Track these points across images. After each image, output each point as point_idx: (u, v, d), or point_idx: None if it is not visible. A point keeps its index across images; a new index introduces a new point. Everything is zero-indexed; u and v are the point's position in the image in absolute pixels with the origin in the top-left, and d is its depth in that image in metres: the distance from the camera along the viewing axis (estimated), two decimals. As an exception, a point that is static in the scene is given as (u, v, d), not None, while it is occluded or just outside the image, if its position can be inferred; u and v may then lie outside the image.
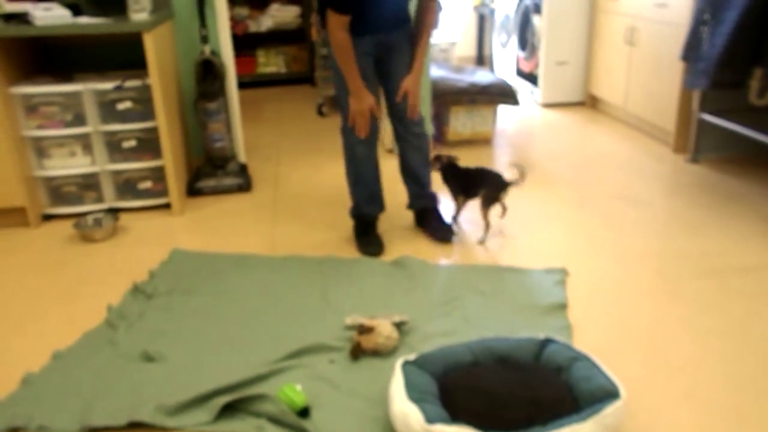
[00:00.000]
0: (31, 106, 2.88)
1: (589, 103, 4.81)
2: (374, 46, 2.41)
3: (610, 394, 1.48)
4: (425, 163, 2.68)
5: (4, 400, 1.74)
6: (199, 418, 1.65)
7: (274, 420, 1.63)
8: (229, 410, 1.67)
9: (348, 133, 2.49)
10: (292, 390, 1.67)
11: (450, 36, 5.57)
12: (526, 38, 4.98)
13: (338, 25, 2.26)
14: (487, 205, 2.59)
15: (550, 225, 2.80)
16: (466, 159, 3.69)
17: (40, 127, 2.91)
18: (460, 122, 3.86)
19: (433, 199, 2.75)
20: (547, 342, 1.73)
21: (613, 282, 2.31)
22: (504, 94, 3.83)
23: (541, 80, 4.80)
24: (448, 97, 3.75)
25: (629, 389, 1.72)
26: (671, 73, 3.61)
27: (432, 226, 2.71)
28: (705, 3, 3.07)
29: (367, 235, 2.62)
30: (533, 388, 1.53)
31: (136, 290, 2.29)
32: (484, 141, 4.00)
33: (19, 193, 2.87)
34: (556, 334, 1.95)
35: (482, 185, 2.61)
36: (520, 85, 5.23)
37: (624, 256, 2.50)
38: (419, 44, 2.47)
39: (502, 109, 4.66)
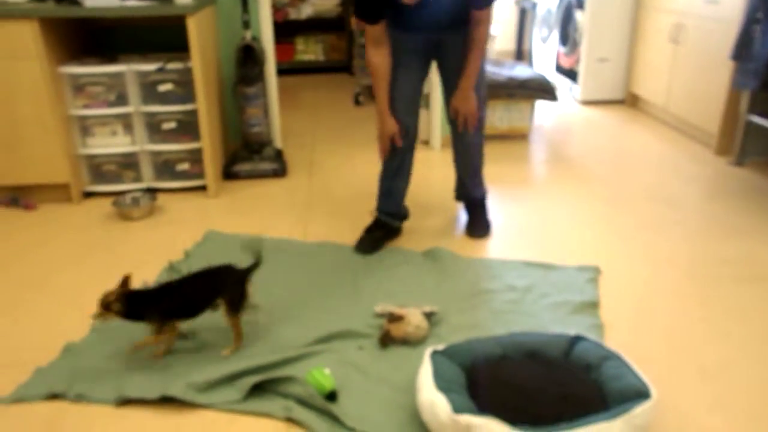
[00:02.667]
0: (78, 86, 2.95)
1: (629, 101, 4.73)
2: (423, 43, 2.33)
3: (640, 393, 1.47)
4: (474, 166, 2.60)
5: (46, 368, 1.80)
6: (229, 396, 1.68)
7: (302, 402, 1.66)
8: (258, 390, 1.70)
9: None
10: (321, 374, 1.69)
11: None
12: (567, 33, 4.91)
13: (369, 37, 2.22)
14: (236, 310, 1.85)
15: (584, 223, 2.77)
16: (503, 153, 3.67)
17: (85, 106, 2.98)
18: (497, 116, 3.84)
19: (476, 197, 2.68)
20: (577, 339, 1.71)
21: (646, 283, 2.28)
22: (543, 90, 3.78)
23: (581, 77, 4.73)
24: (486, 91, 3.72)
25: (660, 391, 1.70)
26: (718, 72, 3.53)
27: (470, 219, 2.70)
28: (758, 1, 2.98)
29: (368, 232, 2.55)
30: (562, 385, 1.53)
31: (172, 269, 2.34)
32: (521, 136, 3.97)
33: (63, 170, 2.95)
34: (587, 332, 1.94)
35: (216, 291, 1.85)
36: (559, 81, 5.16)
37: (658, 257, 2.46)
38: (468, 60, 2.30)
39: (540, 105, 4.61)
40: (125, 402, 1.68)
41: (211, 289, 1.85)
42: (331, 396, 1.66)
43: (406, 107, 2.38)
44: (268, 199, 3.04)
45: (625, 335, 1.97)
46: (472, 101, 2.38)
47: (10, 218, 2.88)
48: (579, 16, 4.66)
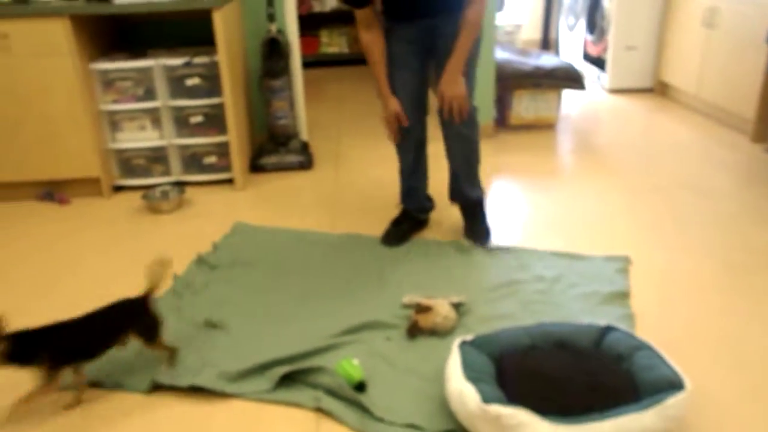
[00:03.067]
0: (108, 81, 2.99)
1: (659, 89, 4.64)
2: (418, 32, 2.23)
3: (673, 384, 1.44)
4: (467, 161, 2.42)
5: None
6: (259, 386, 1.70)
7: (331, 392, 1.66)
8: (287, 381, 1.71)
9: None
10: (350, 364, 1.69)
11: (515, 18, 5.46)
12: (594, 21, 4.83)
13: (359, 21, 2.18)
14: (153, 338, 1.74)
15: (613, 212, 2.73)
16: (529, 144, 3.64)
17: (114, 101, 3.03)
18: (524, 106, 3.79)
19: (470, 197, 2.49)
20: (608, 329, 1.69)
21: (678, 273, 2.24)
22: (570, 79, 3.73)
23: (608, 65, 4.66)
24: (511, 81, 3.69)
25: (696, 383, 1.66)
26: (755, 56, 3.44)
27: (468, 225, 2.52)
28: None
29: (394, 224, 2.54)
30: (593, 375, 1.51)
31: (201, 261, 2.36)
32: (548, 126, 3.92)
33: (94, 165, 3.00)
34: (618, 322, 1.91)
35: (121, 327, 1.71)
36: (587, 70, 5.09)
37: (691, 246, 2.41)
38: (458, 41, 2.14)
39: (567, 94, 4.55)
40: (156, 390, 1.71)
41: (115, 326, 1.70)
42: (360, 387, 1.67)
43: (409, 104, 2.30)
44: (295, 191, 3.06)
45: (656, 325, 1.94)
46: (460, 86, 2.20)
47: (45, 212, 2.94)
48: (606, 3, 4.58)
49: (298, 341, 1.86)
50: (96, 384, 1.73)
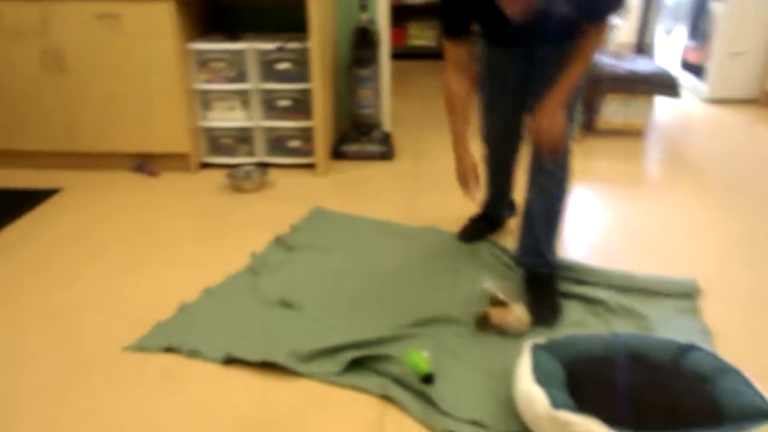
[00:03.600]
0: (203, 62, 3.11)
1: (764, 100, 4.38)
2: (517, 57, 2.02)
3: (762, 413, 1.37)
4: (547, 215, 2.02)
5: (164, 323, 1.93)
6: (328, 368, 1.73)
7: (398, 382, 1.67)
8: (356, 366, 1.73)
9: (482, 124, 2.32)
10: (419, 356, 1.69)
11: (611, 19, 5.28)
12: (698, 26, 4.61)
13: (448, 57, 1.92)
14: None
15: (699, 228, 2.61)
16: (614, 150, 3.52)
17: (208, 81, 3.14)
18: (612, 111, 3.67)
19: (544, 265, 2.07)
20: (689, 347, 1.62)
21: (762, 295, 2.11)
22: (665, 85, 3.58)
23: (709, 72, 4.44)
24: (602, 84, 3.58)
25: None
26: None
27: (532, 298, 2.02)
28: None
29: (472, 221, 2.51)
30: (671, 393, 1.45)
31: (279, 241, 2.42)
32: (636, 133, 3.78)
33: (184, 141, 3.12)
34: (696, 338, 1.82)
35: None
36: (683, 77, 4.86)
37: (786, 270, 2.28)
38: (566, 71, 1.84)
39: (660, 101, 4.37)
40: (231, 361, 1.77)
41: None
42: (428, 379, 1.67)
43: (501, 131, 2.22)
44: (374, 180, 3.08)
45: (738, 349, 1.84)
46: (559, 120, 1.86)
47: (136, 183, 3.09)
48: (715, 7, 4.35)
49: (368, 328, 1.88)
50: (173, 349, 1.81)
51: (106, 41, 2.95)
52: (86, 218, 2.70)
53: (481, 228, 2.49)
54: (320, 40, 2.97)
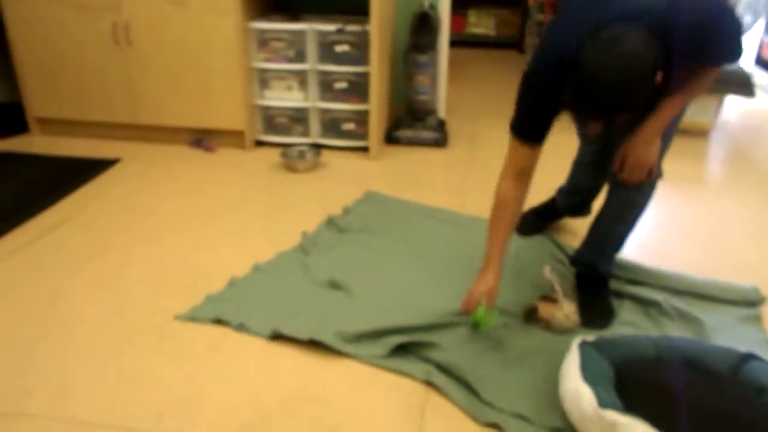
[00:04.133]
0: (263, 41, 3.13)
1: (839, 105, 4.16)
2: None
3: (822, 428, 1.31)
4: (618, 233, 1.92)
5: (215, 296, 1.97)
6: (374, 350, 1.73)
7: (443, 369, 1.67)
8: (401, 350, 1.73)
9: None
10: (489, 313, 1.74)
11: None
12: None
13: (512, 162, 1.72)
14: None
15: (762, 233, 2.50)
16: (677, 149, 3.40)
17: (267, 60, 3.17)
18: (678, 107, 3.54)
19: (598, 272, 2.00)
20: (749, 356, 1.56)
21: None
22: (738, 83, 3.43)
23: (783, 72, 4.24)
24: (669, 79, 3.45)
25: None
26: None
27: (585, 301, 1.94)
28: None
29: (534, 214, 2.41)
30: (728, 402, 1.40)
31: (330, 222, 2.44)
32: (700, 132, 3.64)
33: (241, 118, 3.16)
34: (755, 347, 1.75)
35: None
36: (758, 75, 4.65)
37: None
38: (668, 100, 1.63)
39: (731, 100, 4.20)
40: (277, 338, 1.79)
41: None
42: (476, 325, 1.75)
43: (583, 169, 2.24)
44: (427, 167, 3.06)
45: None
46: (652, 152, 1.70)
47: (193, 157, 3.15)
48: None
49: (416, 314, 1.87)
50: (222, 322, 1.85)
51: (171, 17, 3.01)
52: (143, 190, 2.77)
53: (542, 222, 2.42)
54: (380, 24, 2.95)
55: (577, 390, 1.45)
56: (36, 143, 3.30)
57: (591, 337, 1.64)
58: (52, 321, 1.87)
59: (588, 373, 1.48)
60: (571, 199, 2.39)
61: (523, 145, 1.70)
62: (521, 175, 1.73)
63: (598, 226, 1.95)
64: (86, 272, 2.13)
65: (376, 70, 2.99)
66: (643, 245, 2.38)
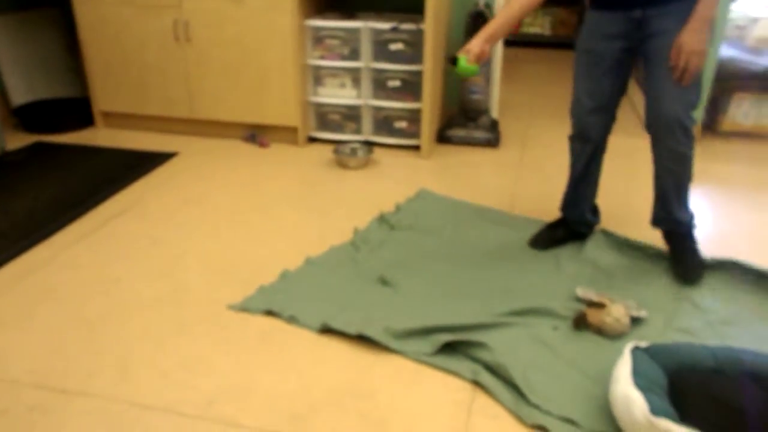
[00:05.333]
0: (318, 38, 3.18)
1: None
2: (625, 26, 1.94)
3: None
4: (679, 180, 2.05)
5: (267, 287, 2.01)
6: (421, 348, 1.74)
7: (491, 369, 1.66)
8: (448, 349, 1.74)
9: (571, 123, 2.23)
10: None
11: (750, 10, 4.89)
12: None
13: None
14: None
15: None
16: (741, 154, 3.28)
17: (321, 57, 3.21)
18: (742, 111, 3.42)
19: (682, 221, 2.13)
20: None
21: None
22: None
23: None
24: (733, 82, 3.34)
25: None
26: None
27: (677, 258, 2.14)
28: None
29: (550, 227, 2.35)
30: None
31: (382, 219, 2.46)
32: (765, 135, 3.51)
33: (295, 115, 3.22)
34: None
35: None
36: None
37: None
38: None
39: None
40: (327, 331, 1.82)
41: None
42: (453, 61, 1.94)
43: (594, 108, 2.09)
44: (479, 167, 3.05)
45: None
46: (704, 39, 1.83)
47: (247, 152, 3.22)
48: None
49: (464, 313, 1.87)
50: (274, 313, 1.89)
51: (229, 14, 3.08)
52: (199, 183, 2.85)
53: (557, 236, 2.33)
54: (435, 23, 2.95)
55: (627, 395, 1.42)
56: (100, 136, 3.43)
57: (644, 343, 1.61)
58: (113, 305, 1.95)
59: (640, 379, 1.45)
60: (579, 210, 2.31)
61: None
62: None
63: (657, 182, 2.10)
64: (145, 260, 2.21)
65: (430, 68, 2.99)
66: (705, 252, 2.31)
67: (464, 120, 3.35)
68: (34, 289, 2.04)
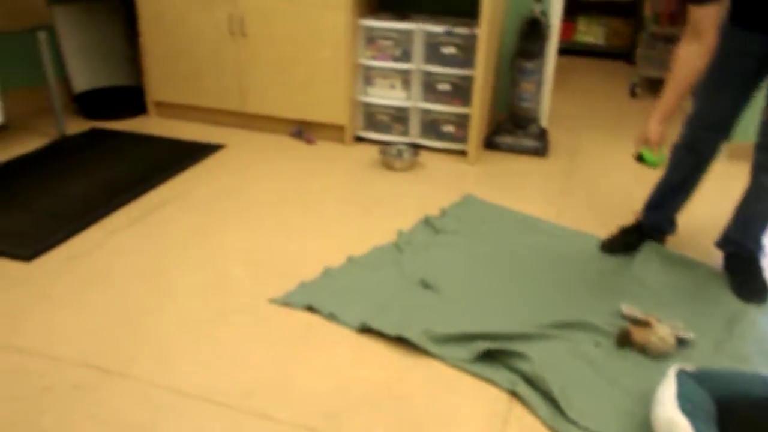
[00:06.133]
0: (371, 38, 3.18)
1: None
2: (760, 46, 1.88)
3: None
4: (759, 210, 2.03)
5: (308, 283, 2.03)
6: (460, 354, 1.72)
7: (529, 381, 1.63)
8: (487, 357, 1.72)
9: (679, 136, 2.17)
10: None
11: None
12: None
13: (692, 25, 1.77)
14: None
15: None
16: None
17: (372, 57, 3.21)
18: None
19: (750, 251, 2.12)
20: None
21: None
22: None
23: None
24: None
25: None
26: None
27: (739, 279, 2.10)
28: None
29: (623, 233, 2.33)
30: None
31: (427, 222, 2.44)
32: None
33: (343, 113, 3.23)
34: None
35: None
36: None
37: None
38: None
39: None
40: (366, 330, 1.82)
41: None
42: (640, 158, 1.90)
43: (712, 124, 2.04)
44: (525, 176, 3.01)
45: None
46: None
47: (294, 148, 3.25)
48: None
49: (505, 321, 1.85)
50: (314, 309, 1.90)
51: (284, 10, 3.11)
52: (245, 175, 2.88)
53: (630, 241, 2.32)
54: (489, 28, 2.93)
55: (671, 419, 1.38)
56: (152, 124, 3.50)
57: (690, 366, 1.56)
58: (155, 292, 1.99)
59: (686, 404, 1.41)
60: (660, 219, 2.30)
61: (697, 6, 1.76)
62: (697, 33, 1.78)
63: (745, 206, 2.07)
64: (188, 249, 2.24)
65: (482, 74, 2.96)
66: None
67: (513, 127, 3.32)
68: (83, 272, 2.09)
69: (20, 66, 3.49)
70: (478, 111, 3.04)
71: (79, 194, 2.61)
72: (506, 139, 3.29)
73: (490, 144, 3.31)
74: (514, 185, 2.89)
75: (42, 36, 3.06)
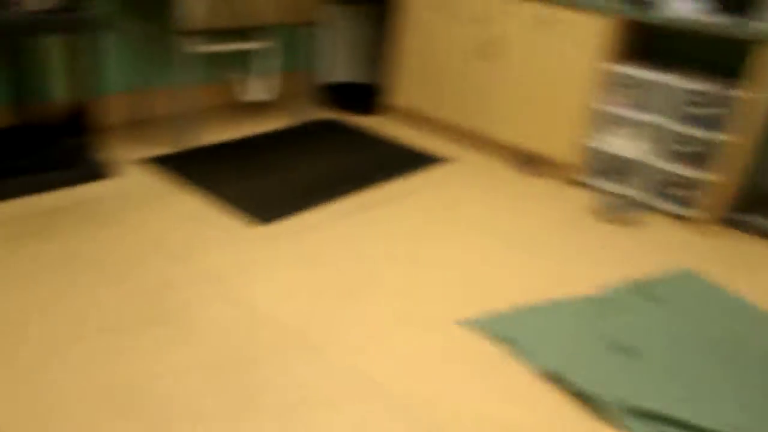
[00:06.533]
0: (618, 84, 3.07)
1: None
2: None
3: None
4: None
5: (501, 314, 2.04)
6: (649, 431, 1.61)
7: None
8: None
9: None
10: None
11: None
12: None
13: None
14: None
15: None
16: None
17: (615, 104, 3.10)
18: None
19: None
20: None
21: None
22: None
23: None
24: None
25: None
26: None
27: None
28: None
29: None
30: None
31: (637, 286, 2.31)
32: None
33: (573, 154, 3.18)
34: None
35: None
36: None
37: None
38: None
39: None
40: (549, 377, 1.77)
41: None
42: None
43: None
44: (760, 263, 2.69)
45: None
46: None
47: (515, 177, 3.25)
48: None
49: (705, 415, 1.68)
50: (502, 341, 1.88)
51: (538, 41, 3.13)
52: (462, 193, 2.95)
53: None
54: (755, 92, 2.66)
55: None
56: (387, 125, 3.74)
57: None
58: (357, 284, 2.13)
59: None
60: None
61: None
62: None
63: None
64: (393, 254, 2.36)
65: (735, 141, 2.71)
66: None
67: (764, 207, 2.95)
68: (303, 248, 2.31)
69: (290, 54, 3.94)
70: (722, 181, 2.78)
71: (310, 177, 2.88)
72: (756, 220, 2.92)
73: (731, 221, 2.99)
74: (747, 272, 2.59)
75: (318, 31, 3.45)
